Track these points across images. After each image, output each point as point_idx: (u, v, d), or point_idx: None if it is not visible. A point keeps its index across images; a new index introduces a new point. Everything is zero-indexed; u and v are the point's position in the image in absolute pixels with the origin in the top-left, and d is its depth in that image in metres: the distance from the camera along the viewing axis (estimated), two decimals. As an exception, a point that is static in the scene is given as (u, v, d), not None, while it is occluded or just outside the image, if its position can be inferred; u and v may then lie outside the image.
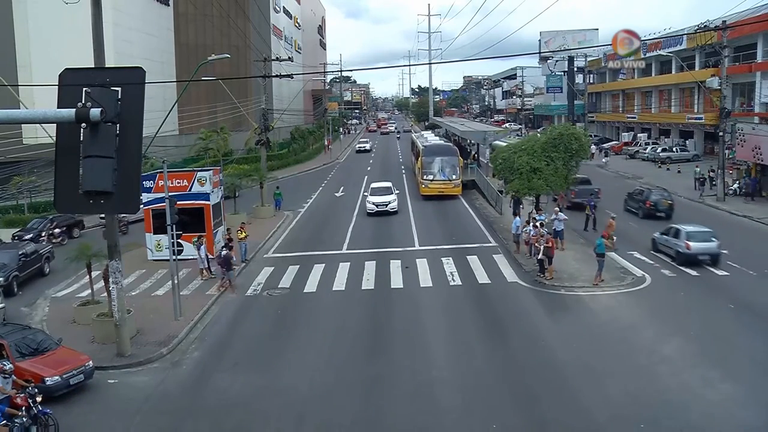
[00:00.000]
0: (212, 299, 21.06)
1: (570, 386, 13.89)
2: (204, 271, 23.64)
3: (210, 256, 23.87)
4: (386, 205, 34.17)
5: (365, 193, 36.78)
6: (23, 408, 12.20)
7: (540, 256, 22.03)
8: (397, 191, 36.80)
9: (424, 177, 39.43)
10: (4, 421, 11.83)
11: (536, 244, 22.67)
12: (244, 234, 25.81)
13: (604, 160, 56.20)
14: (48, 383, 13.77)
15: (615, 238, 24.38)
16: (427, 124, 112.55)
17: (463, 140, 56.90)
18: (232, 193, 33.94)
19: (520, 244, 25.12)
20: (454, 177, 39.32)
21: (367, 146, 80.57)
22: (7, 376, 12.64)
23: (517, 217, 26.39)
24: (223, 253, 22.20)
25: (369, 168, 59.36)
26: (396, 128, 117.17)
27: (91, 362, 14.96)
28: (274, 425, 12.87)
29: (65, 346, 15.60)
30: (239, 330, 18.63)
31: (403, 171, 54.63)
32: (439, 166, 39.39)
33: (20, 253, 24.42)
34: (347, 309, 19.98)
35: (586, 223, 29.44)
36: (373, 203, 34.40)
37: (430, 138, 53.17)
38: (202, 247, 23.51)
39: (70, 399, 14.12)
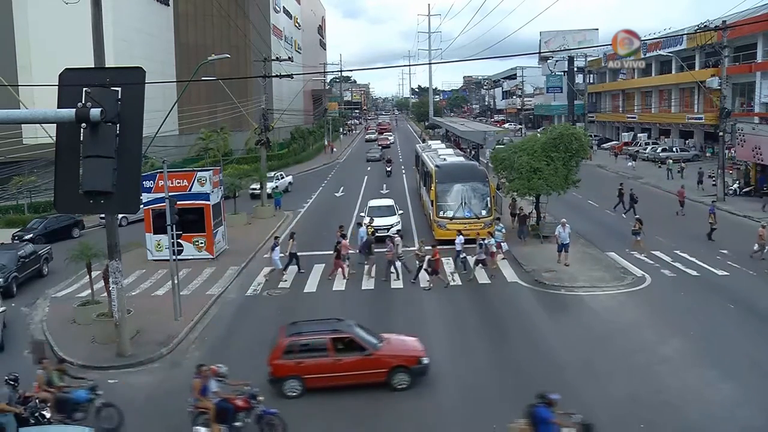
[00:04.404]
0: (212, 299, 21.07)
1: (570, 386, 13.85)
2: (281, 272, 23.37)
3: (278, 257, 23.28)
4: (387, 230, 27.42)
5: (361, 214, 30.20)
6: (244, 410, 12.21)
7: (425, 266, 21.89)
8: (401, 211, 30.36)
9: (440, 214, 27.37)
10: (239, 423, 12.04)
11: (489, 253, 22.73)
12: (372, 229, 25.88)
13: (630, 164, 51.72)
14: (425, 362, 14.25)
15: (767, 248, 23.24)
16: (427, 124, 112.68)
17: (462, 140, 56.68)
18: (232, 193, 33.97)
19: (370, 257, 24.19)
20: (484, 213, 27.21)
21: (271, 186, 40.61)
22: (221, 379, 12.58)
23: (363, 227, 25.33)
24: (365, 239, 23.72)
25: (369, 168, 59.31)
26: (391, 142, 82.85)
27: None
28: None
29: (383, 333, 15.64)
30: (239, 330, 18.64)
31: (403, 167, 54.46)
32: (462, 198, 27.43)
33: (19, 254, 24.40)
34: (347, 309, 19.94)
35: (711, 233, 26.57)
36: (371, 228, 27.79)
37: (443, 152, 36.86)
38: (277, 248, 23.35)
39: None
